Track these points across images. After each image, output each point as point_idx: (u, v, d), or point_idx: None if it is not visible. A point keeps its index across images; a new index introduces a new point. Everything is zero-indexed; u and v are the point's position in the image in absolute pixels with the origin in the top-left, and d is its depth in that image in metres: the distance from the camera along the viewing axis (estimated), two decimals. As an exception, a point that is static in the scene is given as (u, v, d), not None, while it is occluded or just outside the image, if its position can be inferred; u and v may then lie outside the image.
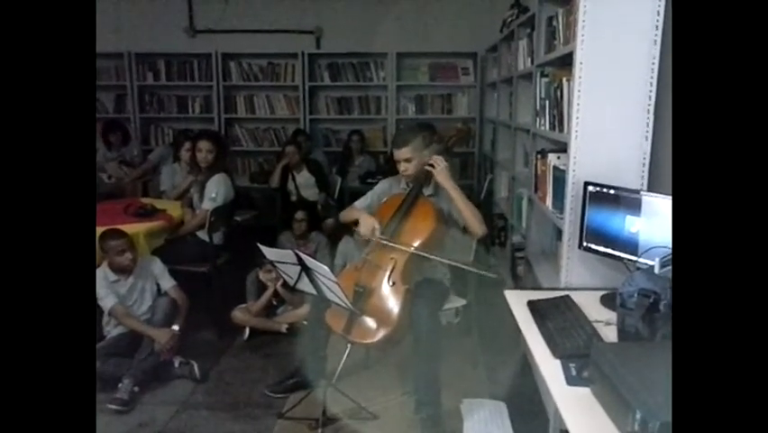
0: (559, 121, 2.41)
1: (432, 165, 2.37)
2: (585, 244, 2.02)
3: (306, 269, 2.19)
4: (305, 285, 2.29)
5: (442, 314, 2.46)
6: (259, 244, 2.33)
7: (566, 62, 2.22)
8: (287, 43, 5.40)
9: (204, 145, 3.37)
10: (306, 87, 5.45)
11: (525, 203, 3.19)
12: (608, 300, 1.77)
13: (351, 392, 2.47)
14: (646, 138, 2.05)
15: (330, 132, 5.71)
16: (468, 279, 2.71)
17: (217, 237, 3.33)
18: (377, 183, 2.76)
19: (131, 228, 2.96)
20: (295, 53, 5.38)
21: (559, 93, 2.38)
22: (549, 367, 1.40)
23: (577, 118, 2.06)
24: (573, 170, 2.11)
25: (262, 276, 3.27)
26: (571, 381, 1.33)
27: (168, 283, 2.94)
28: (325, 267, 2.07)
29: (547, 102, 2.60)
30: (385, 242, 2.32)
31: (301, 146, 4.63)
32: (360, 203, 2.63)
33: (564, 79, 2.28)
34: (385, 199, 2.57)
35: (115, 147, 4.89)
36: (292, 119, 5.57)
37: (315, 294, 2.27)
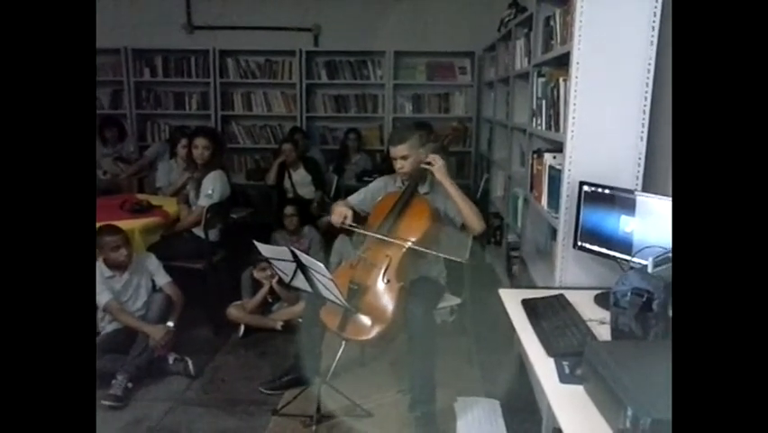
0: (555, 121, 2.42)
1: (429, 163, 2.37)
2: (580, 243, 2.03)
3: (301, 266, 2.20)
4: (300, 282, 2.29)
5: (436, 312, 2.47)
6: (255, 241, 2.33)
7: (563, 62, 2.23)
8: (284, 41, 5.40)
9: (200, 142, 3.36)
10: (304, 85, 5.45)
11: (520, 202, 3.20)
12: (602, 299, 1.78)
13: (345, 390, 2.47)
14: (642, 138, 2.06)
15: (327, 130, 5.71)
16: (463, 277, 2.72)
17: (213, 234, 3.33)
18: (373, 181, 2.76)
19: (126, 224, 2.95)
20: (292, 51, 5.38)
21: (555, 93, 2.39)
22: (543, 365, 1.41)
23: (573, 118, 2.07)
24: (569, 170, 2.12)
25: (257, 274, 3.27)
26: (564, 379, 1.34)
27: (163, 279, 2.94)
28: (321, 264, 2.08)
29: (544, 102, 2.60)
30: (361, 231, 2.35)
31: (298, 144, 4.63)
32: (353, 198, 2.63)
33: (561, 79, 2.29)
34: (380, 198, 2.57)
35: (111, 143, 4.88)
36: (289, 117, 5.57)
37: (311, 291, 2.27)
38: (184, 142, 3.87)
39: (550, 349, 1.47)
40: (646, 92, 2.03)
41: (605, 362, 1.19)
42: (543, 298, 1.80)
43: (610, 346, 1.38)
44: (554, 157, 2.41)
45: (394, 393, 2.56)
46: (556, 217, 2.25)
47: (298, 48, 5.37)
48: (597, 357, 1.22)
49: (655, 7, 1.97)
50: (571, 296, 1.80)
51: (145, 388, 2.64)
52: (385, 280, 2.27)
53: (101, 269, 2.76)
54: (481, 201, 4.40)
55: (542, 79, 2.67)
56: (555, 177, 2.32)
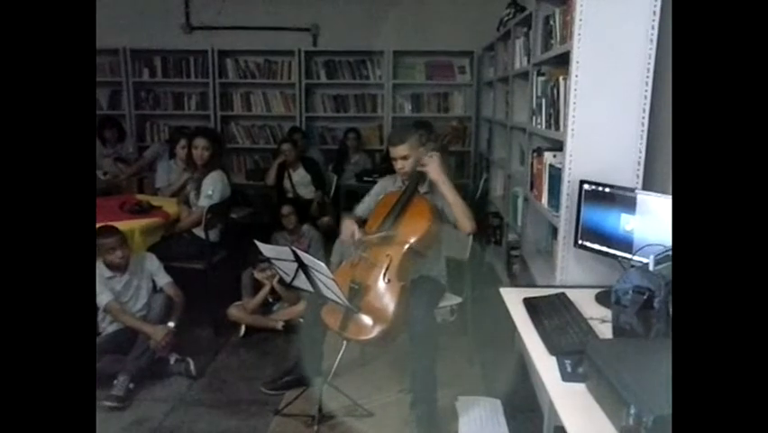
0: (555, 119, 2.42)
1: (423, 165, 2.37)
2: (580, 241, 2.04)
3: (302, 266, 2.20)
4: (301, 282, 2.29)
5: (437, 312, 2.47)
6: (256, 241, 2.33)
7: (563, 61, 2.23)
8: (283, 41, 5.40)
9: (200, 143, 3.36)
10: (303, 85, 5.45)
11: (520, 201, 3.20)
12: (603, 298, 1.78)
13: (347, 389, 2.47)
14: (641, 137, 2.07)
15: (326, 130, 5.71)
16: (464, 276, 2.72)
17: (213, 234, 3.33)
18: (372, 181, 2.76)
19: (126, 225, 2.95)
20: (291, 51, 5.38)
21: (555, 92, 2.39)
22: (544, 364, 1.41)
23: (573, 117, 2.08)
24: (569, 169, 2.12)
25: (257, 275, 3.28)
26: (566, 377, 1.34)
27: (163, 280, 2.94)
28: (322, 264, 2.08)
29: (543, 101, 2.61)
30: (370, 237, 2.33)
31: (297, 144, 4.63)
32: (360, 209, 2.64)
33: (561, 78, 2.29)
34: (381, 198, 2.58)
35: (110, 144, 4.88)
36: (288, 117, 5.56)
37: (312, 291, 2.27)
38: (183, 142, 3.87)
39: (552, 347, 1.47)
40: (646, 90, 2.03)
41: (607, 360, 1.19)
42: (544, 296, 1.80)
43: (612, 344, 1.39)
44: (554, 156, 2.42)
45: (395, 393, 2.56)
46: (557, 216, 2.25)
47: (297, 48, 5.37)
48: (599, 355, 1.23)
49: (655, 5, 1.98)
50: (572, 294, 1.80)
51: (146, 388, 2.64)
52: (386, 280, 2.27)
53: (101, 270, 2.76)
54: (481, 201, 4.41)
55: (541, 78, 2.67)
56: (555, 175, 2.33)
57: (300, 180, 4.55)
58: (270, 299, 3.31)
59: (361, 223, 2.48)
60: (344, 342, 2.49)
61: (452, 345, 2.85)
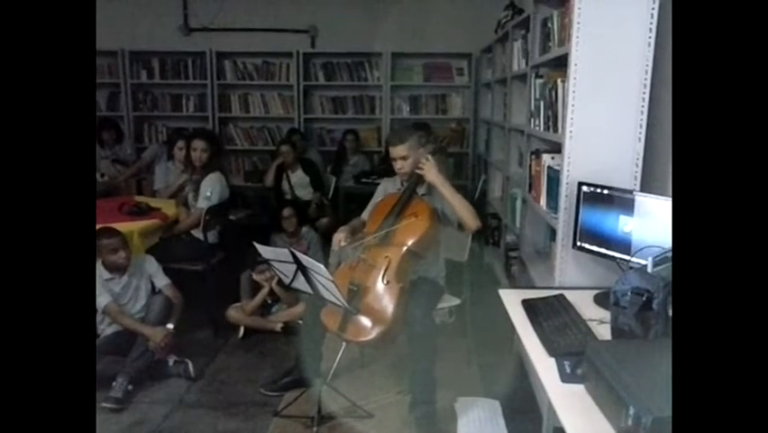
0: (553, 121, 2.43)
1: (420, 168, 2.38)
2: (579, 243, 2.05)
3: (301, 267, 2.20)
4: (300, 284, 2.29)
5: (436, 313, 2.48)
6: (255, 243, 2.33)
7: (561, 63, 2.24)
8: (281, 42, 5.40)
9: (198, 144, 3.36)
10: (301, 87, 5.45)
11: (519, 203, 3.21)
12: (602, 299, 1.79)
13: (346, 391, 2.48)
14: (640, 139, 2.07)
15: (324, 131, 5.72)
16: (462, 278, 2.73)
17: (212, 236, 3.33)
18: (371, 182, 2.77)
19: (125, 227, 2.95)
20: (290, 52, 5.38)
21: (553, 94, 2.40)
22: (544, 365, 1.42)
23: (571, 119, 2.08)
24: (567, 171, 2.13)
25: (256, 277, 3.28)
26: (565, 378, 1.35)
27: (162, 282, 2.94)
28: (321, 265, 2.08)
29: (542, 103, 2.62)
30: (361, 243, 2.37)
31: (296, 145, 4.63)
32: (365, 214, 2.65)
33: (559, 80, 2.30)
34: (380, 199, 2.58)
35: (108, 145, 4.87)
36: (287, 118, 5.57)
37: (311, 293, 2.27)
38: (180, 144, 3.87)
39: (551, 349, 1.48)
40: (644, 92, 2.04)
41: (606, 361, 1.20)
42: (543, 298, 1.81)
43: (611, 346, 1.39)
44: (553, 158, 2.43)
45: (394, 394, 2.57)
46: (555, 218, 2.26)
47: (295, 49, 5.37)
48: (598, 356, 1.23)
49: (653, 8, 1.99)
50: (570, 296, 1.81)
51: (145, 390, 2.64)
52: (385, 282, 2.27)
53: (100, 271, 2.75)
54: (479, 202, 4.41)
55: (540, 80, 2.68)
56: (554, 177, 2.34)
57: (299, 182, 4.55)
58: (269, 301, 3.31)
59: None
60: (343, 343, 2.49)
61: (451, 347, 2.85)
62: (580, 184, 2.01)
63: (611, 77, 2.04)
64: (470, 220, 2.34)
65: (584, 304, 1.78)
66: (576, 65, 2.04)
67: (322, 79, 5.53)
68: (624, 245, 1.87)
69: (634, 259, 1.78)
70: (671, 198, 1.71)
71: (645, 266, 1.47)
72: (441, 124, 5.34)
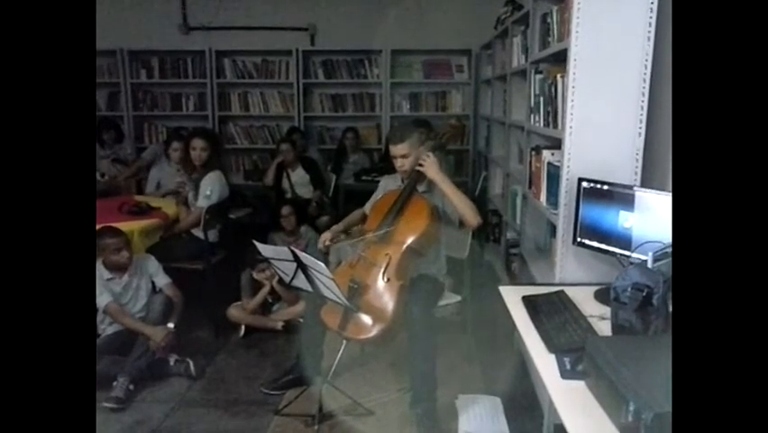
0: (553, 117, 2.42)
1: (420, 164, 2.38)
2: (579, 239, 2.04)
3: (301, 265, 2.20)
4: (301, 282, 2.29)
5: (440, 310, 2.47)
6: (255, 242, 2.33)
7: (560, 59, 2.24)
8: (281, 40, 5.39)
9: (198, 143, 3.36)
10: (301, 85, 5.44)
11: (519, 199, 3.21)
12: (602, 295, 1.78)
13: (346, 389, 2.48)
14: (640, 134, 2.07)
15: (324, 129, 5.71)
16: (463, 275, 2.72)
17: (212, 235, 3.33)
18: (371, 180, 2.77)
19: (125, 226, 2.95)
20: (289, 50, 5.37)
21: (553, 89, 2.39)
22: (544, 361, 1.41)
23: (571, 114, 2.08)
24: (567, 167, 2.12)
25: (256, 275, 3.27)
26: (565, 374, 1.34)
27: (163, 281, 2.94)
28: (321, 264, 2.08)
29: (541, 98, 2.61)
30: (352, 241, 2.39)
31: (296, 144, 4.62)
32: (367, 208, 2.65)
33: (558, 76, 2.29)
34: (380, 196, 2.58)
35: (108, 145, 4.87)
36: (286, 116, 5.56)
37: (311, 291, 2.27)
38: (175, 145, 3.87)
39: (551, 345, 1.47)
40: (644, 87, 2.03)
41: (606, 357, 1.19)
42: (543, 294, 1.80)
43: (611, 341, 1.39)
44: (553, 154, 2.42)
45: (395, 392, 2.56)
46: (555, 214, 2.25)
47: (295, 47, 5.36)
48: (598, 352, 1.23)
49: (652, 3, 1.98)
50: (571, 292, 1.80)
51: (146, 390, 2.64)
52: (385, 279, 2.27)
53: (101, 271, 2.75)
54: (479, 199, 4.40)
55: (539, 76, 2.67)
56: (554, 173, 2.33)
57: (299, 180, 4.55)
58: (270, 300, 3.30)
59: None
60: (344, 341, 2.49)
61: (452, 344, 2.85)
62: (580, 180, 2.00)
63: (611, 72, 2.03)
64: (471, 217, 2.33)
65: (584, 300, 1.77)
66: (576, 60, 2.03)
67: (321, 77, 5.52)
68: (624, 241, 1.86)
69: (634, 254, 1.77)
70: (671, 194, 1.70)
71: (646, 262, 1.46)
72: (441, 120, 5.32)
